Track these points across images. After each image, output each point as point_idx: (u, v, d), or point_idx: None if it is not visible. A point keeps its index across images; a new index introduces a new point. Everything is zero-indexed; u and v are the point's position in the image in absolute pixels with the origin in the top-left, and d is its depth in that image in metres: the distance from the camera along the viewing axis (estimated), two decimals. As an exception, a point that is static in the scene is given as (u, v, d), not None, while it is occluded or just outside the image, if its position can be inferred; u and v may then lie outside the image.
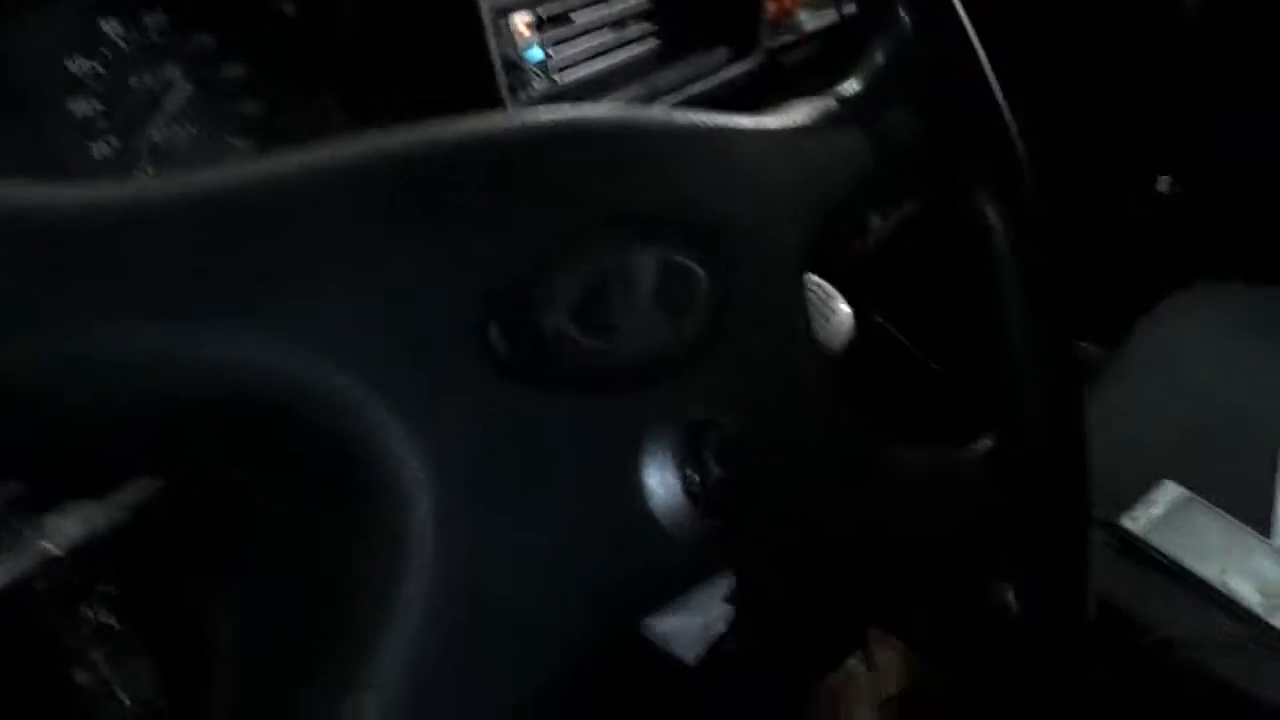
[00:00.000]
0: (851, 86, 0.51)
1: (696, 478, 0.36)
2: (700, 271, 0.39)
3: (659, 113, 0.42)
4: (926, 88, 0.50)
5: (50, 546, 0.38)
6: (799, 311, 0.43)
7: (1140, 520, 0.99)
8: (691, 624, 1.02)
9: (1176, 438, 1.11)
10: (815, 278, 0.81)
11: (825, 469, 0.43)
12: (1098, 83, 1.58)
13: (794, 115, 0.48)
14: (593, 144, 0.37)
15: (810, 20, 1.10)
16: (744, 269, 0.41)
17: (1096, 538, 0.99)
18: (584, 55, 0.86)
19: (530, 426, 0.33)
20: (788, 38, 1.10)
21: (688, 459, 0.36)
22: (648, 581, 0.36)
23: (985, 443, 0.51)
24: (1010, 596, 0.48)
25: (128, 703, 0.62)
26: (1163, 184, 1.62)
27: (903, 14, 0.50)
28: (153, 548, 0.43)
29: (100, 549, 0.44)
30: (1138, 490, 1.03)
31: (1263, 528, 1.00)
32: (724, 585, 1.03)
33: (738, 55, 0.97)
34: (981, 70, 0.51)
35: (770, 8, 1.06)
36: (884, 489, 0.46)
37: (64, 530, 0.38)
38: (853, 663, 1.08)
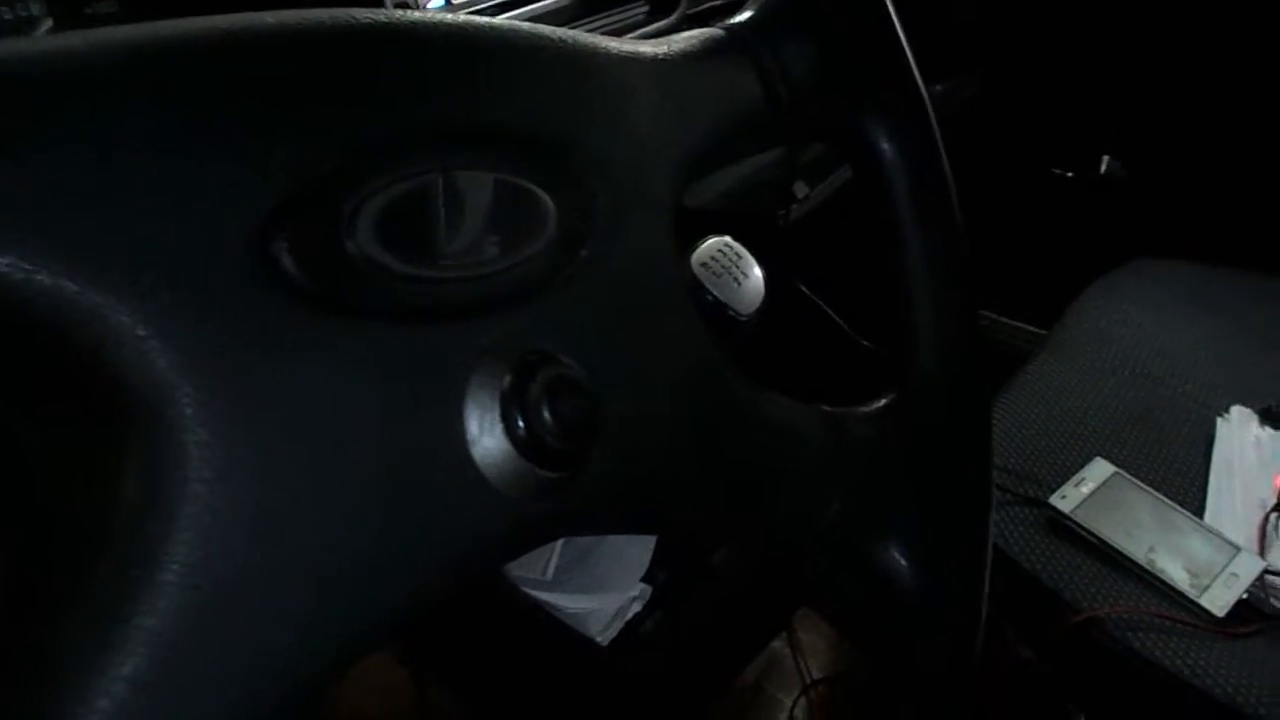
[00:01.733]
0: (742, 16, 0.47)
1: (523, 420, 0.32)
2: (545, 197, 0.34)
3: (512, 23, 0.38)
4: (820, 17, 0.47)
5: None
6: (665, 251, 0.39)
7: (1069, 498, 0.97)
8: (606, 604, 0.98)
9: (1109, 415, 1.09)
10: (729, 240, 0.78)
11: (687, 420, 0.39)
12: (1040, 60, 1.57)
13: (674, 43, 0.44)
14: (422, 44, 0.33)
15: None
16: (600, 200, 0.36)
17: (1025, 516, 0.97)
18: (491, 4, 0.82)
19: (328, 359, 0.28)
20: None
21: (515, 399, 0.32)
22: (470, 538, 0.32)
23: (880, 402, 0.47)
24: (900, 561, 0.44)
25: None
26: (1105, 164, 1.61)
27: None
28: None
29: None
30: (1068, 469, 1.01)
31: (1194, 506, 0.99)
32: (641, 564, 0.99)
33: (657, 10, 0.93)
34: (882, 3, 0.47)
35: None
36: (759, 445, 0.42)
37: None
38: (777, 645, 1.05)
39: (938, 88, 1.30)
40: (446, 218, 0.31)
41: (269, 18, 0.30)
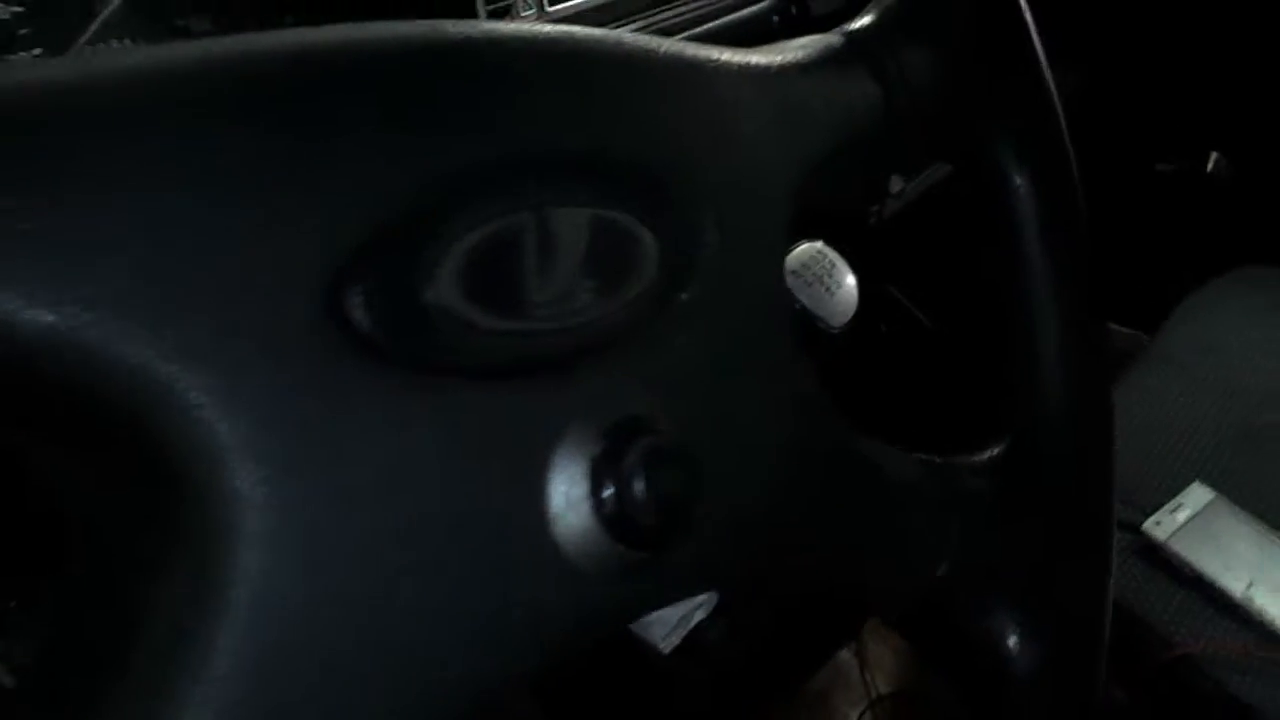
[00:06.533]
0: (862, 22, 0.43)
1: (614, 497, 0.28)
2: (647, 233, 0.31)
3: (614, 34, 0.34)
4: (950, 26, 0.42)
5: None
6: (776, 289, 0.36)
7: (1164, 525, 0.92)
8: (670, 611, 0.95)
9: (1211, 435, 1.03)
10: (822, 246, 0.73)
11: (791, 481, 0.35)
12: (1147, 48, 1.48)
13: (790, 52, 0.39)
14: (513, 62, 0.29)
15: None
16: (706, 233, 0.33)
17: (1117, 542, 0.92)
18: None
19: (398, 422, 0.25)
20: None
21: (606, 472, 0.28)
22: (546, 624, 0.29)
23: (993, 451, 0.43)
24: (1010, 639, 0.40)
25: None
26: (1212, 161, 1.52)
27: None
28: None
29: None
30: (1165, 491, 0.96)
31: (1299, 539, 0.93)
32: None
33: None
34: (1017, 10, 0.43)
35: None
36: (866, 504, 0.38)
37: None
38: (844, 656, 1.02)
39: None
40: (538, 262, 0.28)
41: (330, 33, 0.27)
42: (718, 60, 0.36)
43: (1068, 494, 0.43)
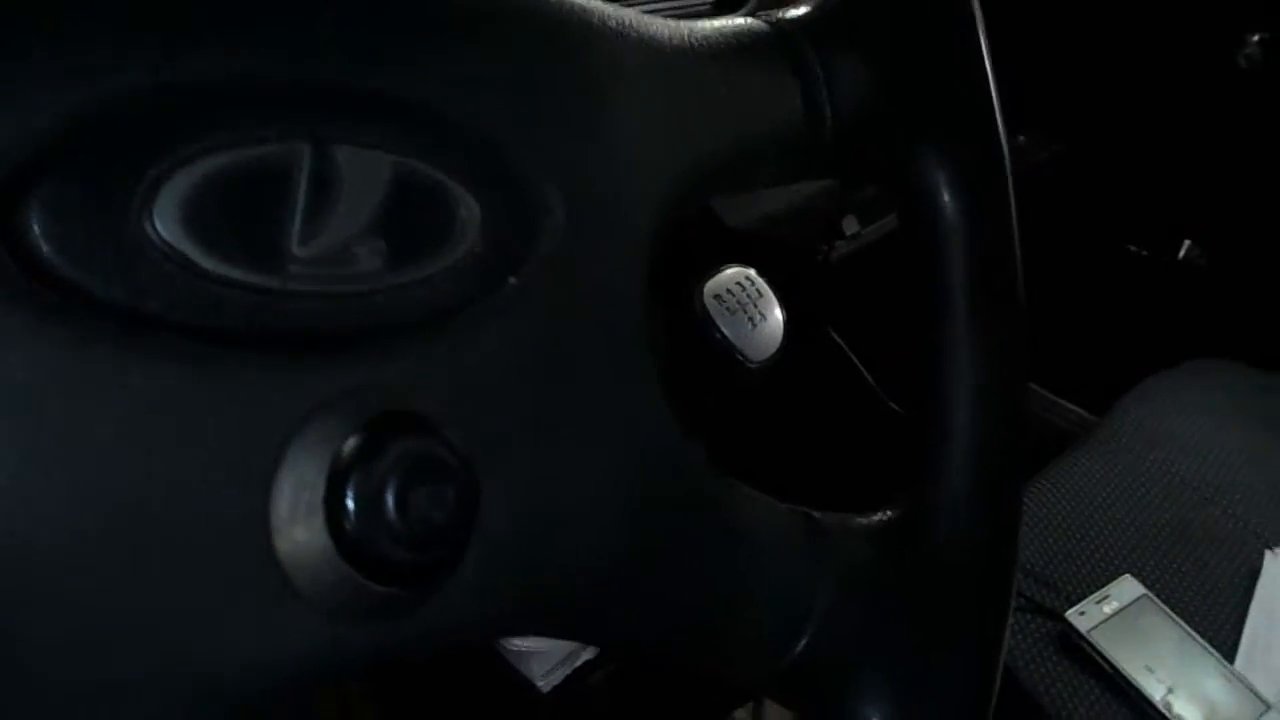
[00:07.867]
0: (795, 11, 0.37)
1: (356, 511, 0.22)
2: (469, 199, 0.25)
3: None
4: (896, 38, 0.37)
5: None
6: (630, 294, 0.30)
7: (1089, 616, 0.87)
8: (554, 645, 0.89)
9: (1146, 528, 0.99)
10: (752, 273, 0.68)
11: (614, 521, 0.29)
12: (1132, 127, 1.45)
13: (700, 30, 0.34)
14: None
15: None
16: (550, 213, 0.27)
17: (1037, 628, 0.88)
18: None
19: (77, 379, 0.20)
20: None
21: (349, 478, 0.23)
22: (261, 659, 0.23)
23: (884, 515, 0.37)
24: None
25: None
26: (1185, 249, 1.50)
27: None
28: None
29: None
30: (1093, 580, 0.91)
31: (1226, 648, 0.88)
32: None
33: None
34: (973, 36, 0.38)
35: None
36: (713, 556, 0.32)
37: None
38: (740, 715, 0.96)
39: (1020, 138, 1.20)
40: (308, 205, 0.22)
41: None
42: (607, 19, 0.30)
43: (957, 577, 0.37)
